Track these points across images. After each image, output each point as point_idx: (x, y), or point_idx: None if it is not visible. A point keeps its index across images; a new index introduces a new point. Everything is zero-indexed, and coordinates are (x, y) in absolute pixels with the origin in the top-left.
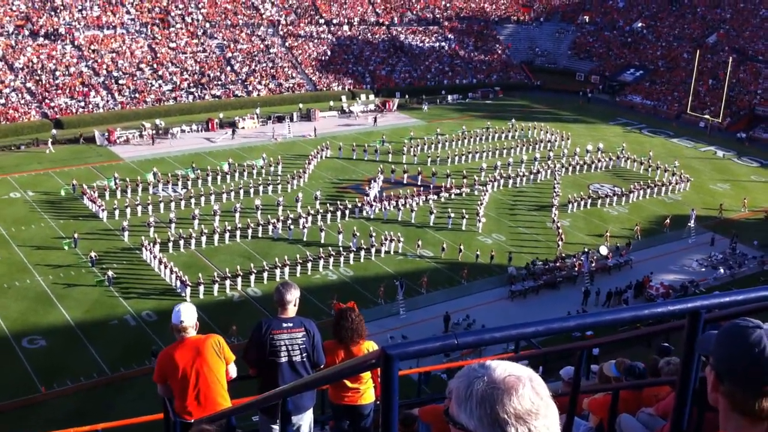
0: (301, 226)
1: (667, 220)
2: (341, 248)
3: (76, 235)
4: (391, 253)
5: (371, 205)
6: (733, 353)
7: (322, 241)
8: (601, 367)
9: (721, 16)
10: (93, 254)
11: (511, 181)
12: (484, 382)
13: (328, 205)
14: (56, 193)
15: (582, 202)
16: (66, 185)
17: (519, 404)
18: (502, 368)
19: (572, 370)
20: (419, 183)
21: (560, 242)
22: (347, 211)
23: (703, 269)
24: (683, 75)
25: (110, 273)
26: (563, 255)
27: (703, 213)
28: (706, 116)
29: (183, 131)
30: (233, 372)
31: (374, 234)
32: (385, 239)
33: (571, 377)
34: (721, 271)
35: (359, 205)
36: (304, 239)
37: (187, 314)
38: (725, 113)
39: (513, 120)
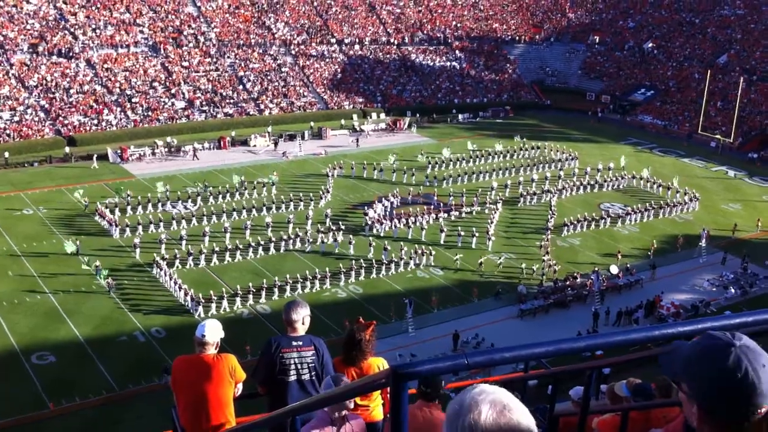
0: (331, 240)
1: (680, 239)
2: (373, 261)
3: (78, 242)
4: (422, 266)
5: (381, 223)
6: (714, 381)
7: (352, 253)
8: (611, 387)
9: (731, 37)
10: (97, 263)
11: (521, 200)
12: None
13: (339, 222)
14: (68, 209)
15: (579, 225)
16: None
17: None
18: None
19: (581, 390)
20: (431, 201)
21: (545, 265)
22: (341, 232)
23: (714, 289)
24: (694, 95)
25: (110, 280)
26: (561, 278)
27: (715, 233)
28: (718, 136)
29: (196, 149)
30: (239, 390)
31: (387, 249)
32: (415, 252)
33: (581, 397)
34: (732, 291)
35: (369, 222)
36: (336, 251)
37: (211, 331)
38: (736, 133)
39: (524, 138)
